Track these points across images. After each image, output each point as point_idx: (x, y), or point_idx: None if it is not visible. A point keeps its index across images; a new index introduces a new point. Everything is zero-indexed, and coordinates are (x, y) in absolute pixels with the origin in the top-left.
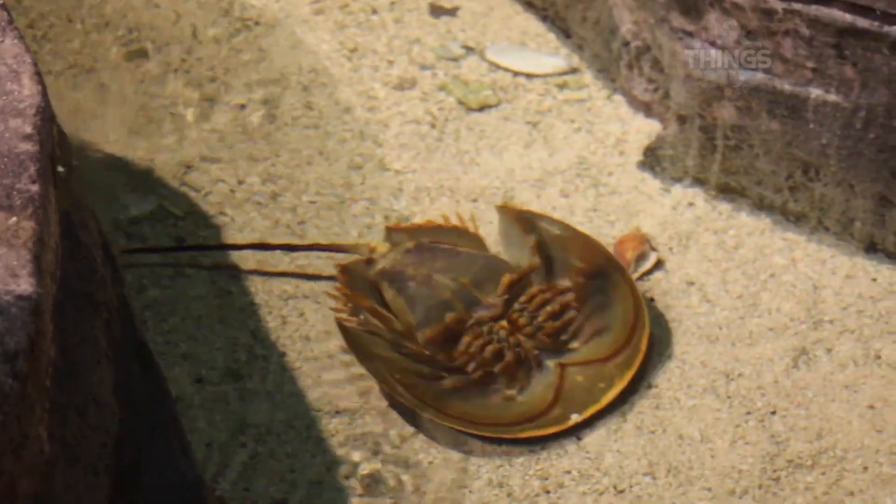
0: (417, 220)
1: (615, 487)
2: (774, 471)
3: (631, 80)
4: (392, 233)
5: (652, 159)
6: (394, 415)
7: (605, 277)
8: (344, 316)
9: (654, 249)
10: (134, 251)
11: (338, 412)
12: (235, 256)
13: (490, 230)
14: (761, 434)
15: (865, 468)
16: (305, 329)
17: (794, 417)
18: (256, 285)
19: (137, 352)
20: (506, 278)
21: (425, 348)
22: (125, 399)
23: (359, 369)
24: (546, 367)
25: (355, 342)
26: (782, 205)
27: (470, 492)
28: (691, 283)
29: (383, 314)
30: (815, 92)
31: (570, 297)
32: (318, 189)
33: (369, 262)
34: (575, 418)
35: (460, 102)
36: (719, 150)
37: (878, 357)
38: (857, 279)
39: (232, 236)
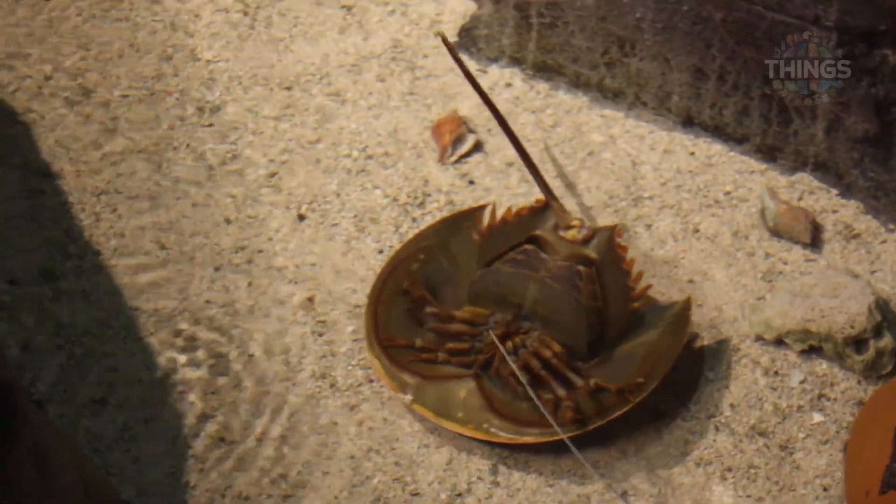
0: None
1: None
2: None
3: None
4: (598, 231)
5: (468, 40)
6: (212, 310)
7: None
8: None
9: (471, 132)
10: None
11: (156, 310)
12: (47, 155)
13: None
14: None
15: None
16: (119, 226)
17: None
18: (69, 183)
19: None
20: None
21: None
22: None
23: (177, 266)
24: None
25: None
26: (599, 81)
27: (293, 384)
28: (510, 164)
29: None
30: None
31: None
32: (129, 83)
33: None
34: (408, 398)
35: None
36: (534, 27)
37: (697, 231)
38: (676, 154)
39: (42, 134)
